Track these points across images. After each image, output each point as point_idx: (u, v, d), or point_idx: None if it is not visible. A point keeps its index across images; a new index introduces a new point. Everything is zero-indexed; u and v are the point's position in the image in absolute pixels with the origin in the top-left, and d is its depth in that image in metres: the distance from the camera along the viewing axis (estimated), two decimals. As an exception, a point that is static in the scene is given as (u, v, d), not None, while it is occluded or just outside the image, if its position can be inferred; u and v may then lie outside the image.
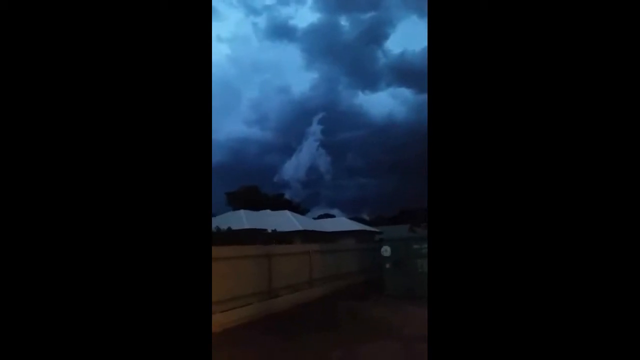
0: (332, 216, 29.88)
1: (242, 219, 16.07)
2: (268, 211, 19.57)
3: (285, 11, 79.77)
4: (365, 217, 33.80)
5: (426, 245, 8.41)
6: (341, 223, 21.48)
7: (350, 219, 23.79)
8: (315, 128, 54.08)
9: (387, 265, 8.87)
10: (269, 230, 13.50)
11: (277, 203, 27.75)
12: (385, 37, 72.95)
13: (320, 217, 30.49)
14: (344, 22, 69.14)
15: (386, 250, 8.99)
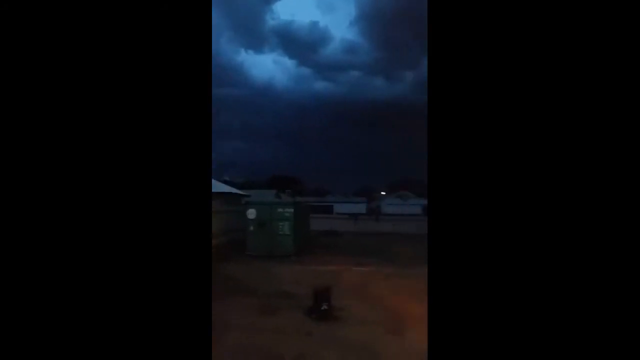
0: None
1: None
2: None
3: None
4: (235, 180, 33.26)
5: (289, 209, 9.02)
6: (208, 185, 20.47)
7: (219, 182, 22.93)
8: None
9: (251, 227, 9.13)
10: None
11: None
12: (276, -2, 70.01)
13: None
14: (232, -34, 62.29)
15: (251, 213, 9.20)
